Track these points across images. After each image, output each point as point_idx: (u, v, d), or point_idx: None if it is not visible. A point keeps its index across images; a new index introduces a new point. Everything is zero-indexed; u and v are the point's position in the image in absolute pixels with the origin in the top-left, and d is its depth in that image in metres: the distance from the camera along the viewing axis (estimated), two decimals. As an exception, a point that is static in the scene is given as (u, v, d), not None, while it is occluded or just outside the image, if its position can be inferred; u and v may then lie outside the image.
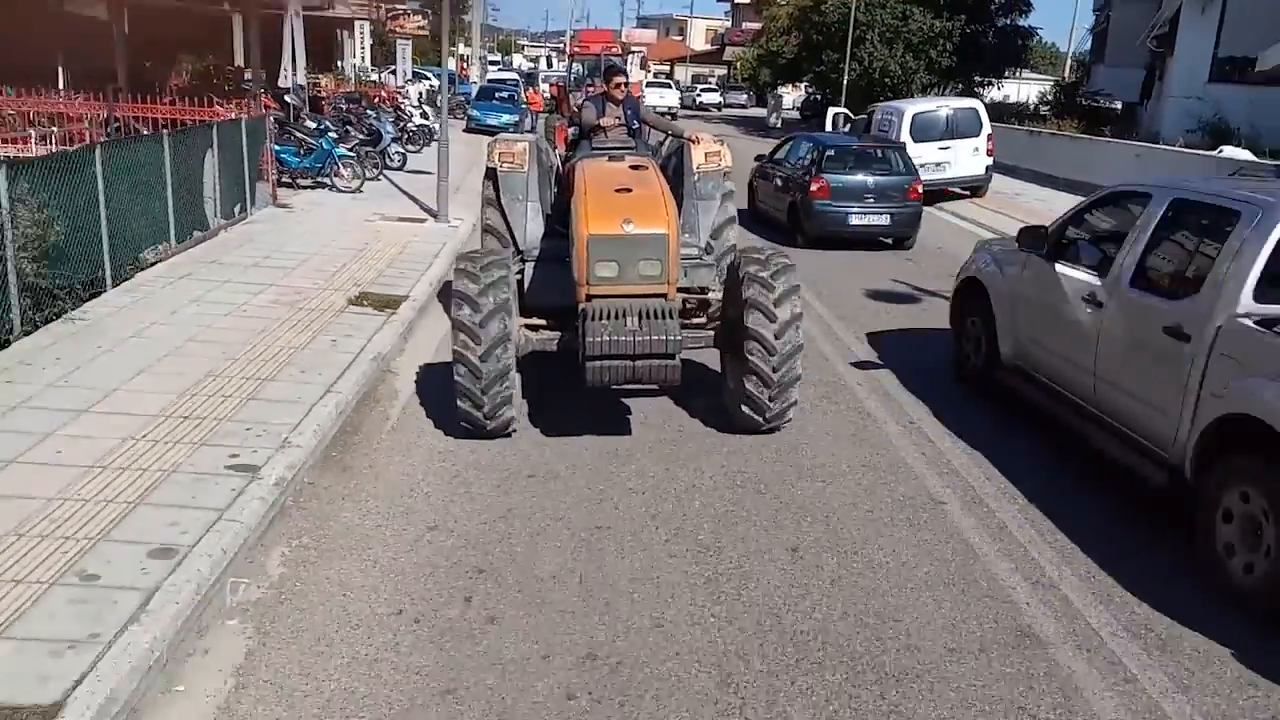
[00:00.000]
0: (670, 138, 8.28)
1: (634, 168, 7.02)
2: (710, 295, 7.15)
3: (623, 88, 8.01)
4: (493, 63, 60.14)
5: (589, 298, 6.05)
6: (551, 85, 34.74)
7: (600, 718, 3.75)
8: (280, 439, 5.80)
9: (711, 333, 6.85)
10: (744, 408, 6.46)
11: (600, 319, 5.82)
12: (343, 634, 4.21)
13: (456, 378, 6.01)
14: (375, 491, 5.63)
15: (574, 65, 27.44)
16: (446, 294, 7.83)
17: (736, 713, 3.81)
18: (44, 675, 3.51)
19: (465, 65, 47.55)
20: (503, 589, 4.62)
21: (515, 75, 43.66)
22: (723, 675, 4.03)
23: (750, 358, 6.21)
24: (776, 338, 6.17)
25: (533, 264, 7.23)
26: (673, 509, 5.57)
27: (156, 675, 3.74)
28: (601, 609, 4.48)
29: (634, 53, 50.62)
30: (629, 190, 6.42)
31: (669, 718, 3.76)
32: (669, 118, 14.91)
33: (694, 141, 7.56)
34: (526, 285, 7.07)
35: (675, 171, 7.57)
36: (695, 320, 7.03)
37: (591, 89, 16.79)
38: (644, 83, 47.36)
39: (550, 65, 67.53)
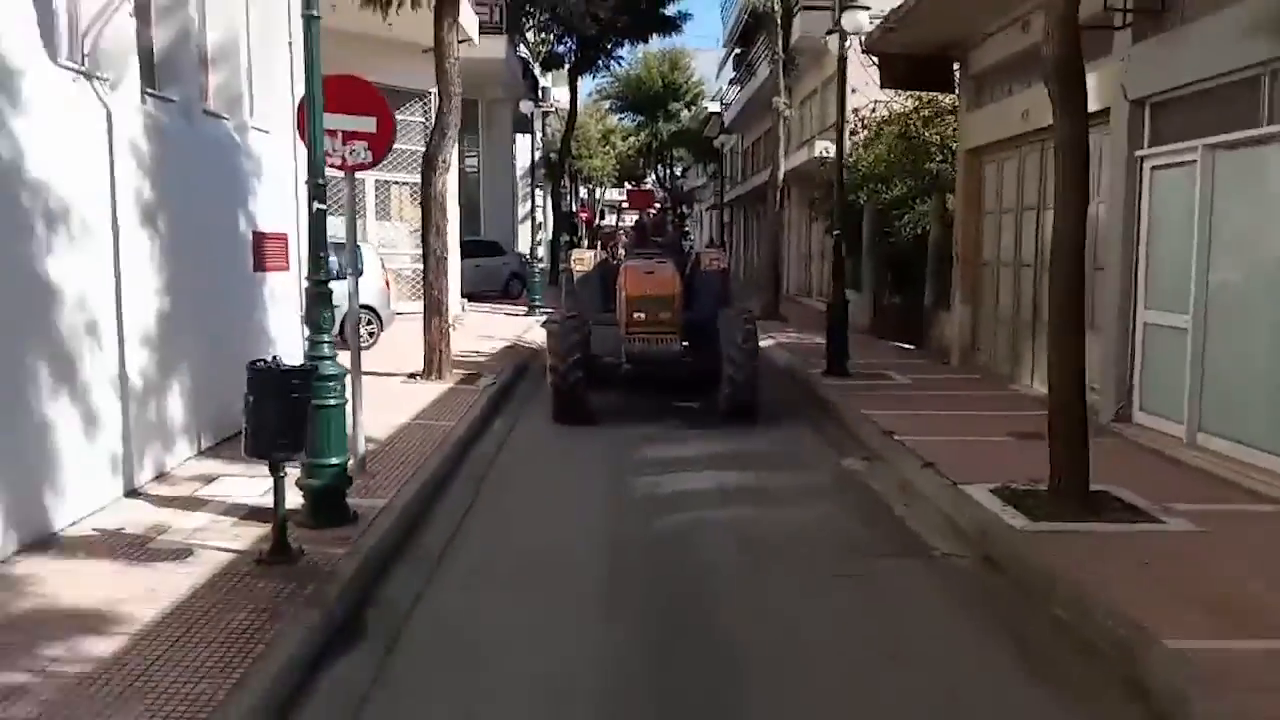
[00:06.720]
0: (692, 250, 13.63)
1: (659, 262, 11.37)
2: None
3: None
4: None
5: (629, 333, 10.26)
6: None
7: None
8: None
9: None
10: (727, 401, 9.98)
11: (636, 340, 10.32)
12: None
13: (550, 379, 9.98)
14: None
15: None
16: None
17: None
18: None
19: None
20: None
21: None
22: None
23: (729, 370, 9.85)
24: (742, 358, 9.83)
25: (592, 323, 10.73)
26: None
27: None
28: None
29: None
30: (653, 272, 10.91)
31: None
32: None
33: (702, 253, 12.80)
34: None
35: (692, 268, 12.10)
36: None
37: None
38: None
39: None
